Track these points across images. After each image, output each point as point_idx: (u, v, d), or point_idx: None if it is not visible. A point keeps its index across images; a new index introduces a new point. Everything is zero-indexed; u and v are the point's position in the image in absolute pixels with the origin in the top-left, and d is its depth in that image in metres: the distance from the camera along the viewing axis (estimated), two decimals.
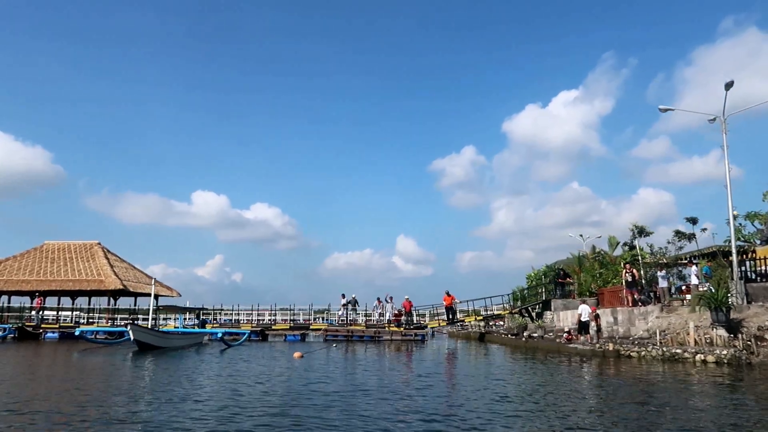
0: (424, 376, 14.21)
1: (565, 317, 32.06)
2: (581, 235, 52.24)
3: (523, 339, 28.13)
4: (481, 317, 37.86)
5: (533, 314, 35.44)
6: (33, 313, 39.89)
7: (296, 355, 20.16)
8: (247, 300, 56.00)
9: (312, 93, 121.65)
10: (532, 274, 42.27)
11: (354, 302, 36.51)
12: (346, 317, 36.89)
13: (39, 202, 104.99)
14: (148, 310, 45.64)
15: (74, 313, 44.63)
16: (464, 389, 11.96)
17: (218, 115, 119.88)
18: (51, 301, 46.36)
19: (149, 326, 25.79)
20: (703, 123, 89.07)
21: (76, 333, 29.67)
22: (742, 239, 27.99)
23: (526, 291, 39.99)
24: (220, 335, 26.78)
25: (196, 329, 30.96)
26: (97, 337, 29.15)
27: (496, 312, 37.69)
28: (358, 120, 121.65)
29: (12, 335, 33.66)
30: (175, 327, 33.61)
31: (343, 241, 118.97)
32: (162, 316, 43.68)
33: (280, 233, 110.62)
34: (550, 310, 34.50)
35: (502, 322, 41.85)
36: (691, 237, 25.35)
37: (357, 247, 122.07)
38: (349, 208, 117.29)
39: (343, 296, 37.03)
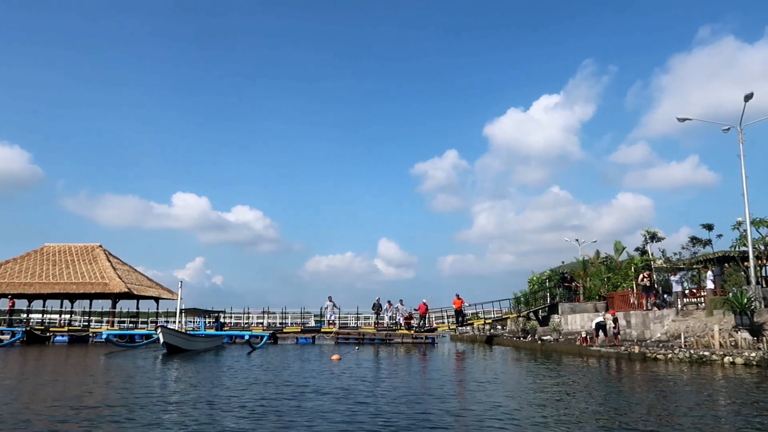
0: (483, 380, 14.47)
1: (573, 320, 32.83)
2: (577, 240, 53.40)
3: (539, 342, 28.72)
4: (490, 320, 38.45)
5: (540, 317, 36.17)
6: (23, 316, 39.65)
7: (334, 357, 20.50)
8: (226, 303, 55.86)
9: (293, 96, 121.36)
10: (535, 278, 42.90)
11: (378, 306, 36.76)
12: (366, 320, 37.20)
13: (16, 203, 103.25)
14: (153, 313, 45.93)
15: (70, 316, 44.44)
16: (549, 396, 12.14)
17: (199, 116, 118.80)
18: (52, 304, 46.17)
19: (177, 329, 25.84)
20: (680, 130, 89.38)
21: (103, 336, 29.65)
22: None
23: (529, 295, 40.59)
24: (247, 337, 27.00)
25: (217, 332, 31.10)
26: (109, 339, 29.04)
27: (504, 315, 38.31)
28: (341, 123, 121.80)
29: (21, 339, 33.33)
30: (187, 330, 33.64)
31: (324, 244, 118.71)
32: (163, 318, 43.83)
33: (261, 236, 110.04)
34: (557, 314, 35.28)
35: (499, 325, 42.58)
36: (706, 243, 26.21)
37: (338, 250, 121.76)
38: (331, 210, 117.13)
39: (330, 299, 36.96)
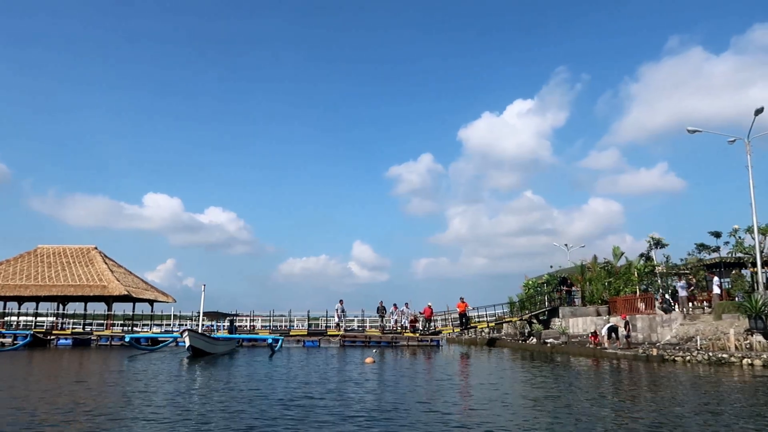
0: (554, 385, 14.50)
1: (575, 324, 33.77)
2: (566, 245, 54.78)
3: (548, 345, 29.45)
4: (493, 324, 39.18)
5: (540, 321, 36.97)
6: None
7: (368, 360, 20.91)
8: (197, 306, 55.58)
9: (268, 98, 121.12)
10: (530, 282, 43.70)
11: (382, 309, 37.21)
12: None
13: None
14: (149, 315, 45.58)
15: (62, 318, 43.77)
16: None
17: (172, 116, 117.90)
18: (44, 307, 45.39)
19: (200, 332, 25.88)
20: (650, 137, 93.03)
21: (126, 339, 29.52)
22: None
23: (526, 299, 41.29)
24: (270, 341, 27.19)
25: (232, 335, 31.19)
26: (131, 343, 28.94)
27: (506, 319, 39.10)
28: (316, 125, 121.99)
29: (29, 342, 32.83)
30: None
31: (298, 246, 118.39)
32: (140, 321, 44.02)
33: (235, 238, 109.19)
34: (558, 317, 36.20)
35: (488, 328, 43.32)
36: (715, 250, 27.39)
37: (312, 253, 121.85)
38: (305, 213, 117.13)
39: (341, 302, 37.65)
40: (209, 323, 33.84)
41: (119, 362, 21.57)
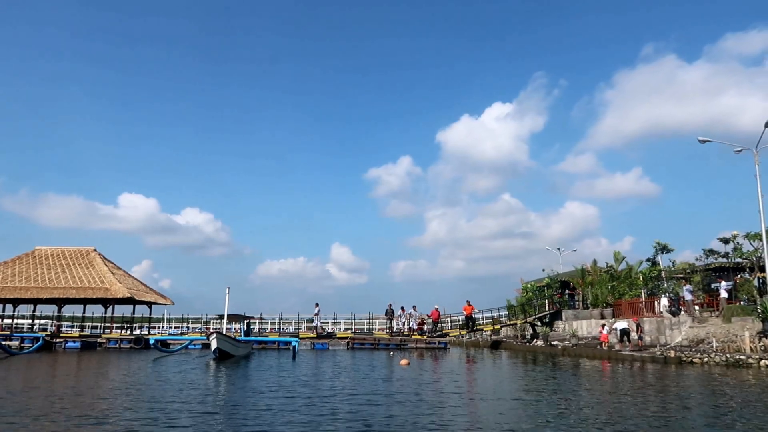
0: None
1: (579, 326, 34.69)
2: (559, 249, 55.87)
3: (559, 347, 30.20)
4: (498, 326, 39.88)
5: (542, 323, 37.83)
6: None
7: (403, 362, 21.34)
8: (175, 308, 55.26)
9: (246, 99, 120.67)
10: (528, 286, 44.52)
11: (390, 312, 37.70)
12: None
13: None
14: (147, 318, 45.41)
15: (56, 321, 43.29)
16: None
17: (148, 116, 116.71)
18: (45, 309, 44.96)
19: (225, 334, 26.08)
20: (625, 142, 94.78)
21: (151, 342, 29.52)
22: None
23: (525, 302, 42.03)
24: (294, 343, 27.50)
25: (249, 337, 31.40)
26: (155, 346, 28.95)
27: (511, 322, 39.84)
28: (294, 127, 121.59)
29: (41, 345, 32.48)
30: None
31: (276, 248, 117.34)
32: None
33: (212, 239, 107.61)
34: (561, 320, 37.12)
35: (488, 330, 44.03)
36: (725, 255, 28.44)
37: (290, 255, 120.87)
38: (283, 214, 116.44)
39: (317, 305, 37.95)
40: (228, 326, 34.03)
41: (150, 364, 21.80)
